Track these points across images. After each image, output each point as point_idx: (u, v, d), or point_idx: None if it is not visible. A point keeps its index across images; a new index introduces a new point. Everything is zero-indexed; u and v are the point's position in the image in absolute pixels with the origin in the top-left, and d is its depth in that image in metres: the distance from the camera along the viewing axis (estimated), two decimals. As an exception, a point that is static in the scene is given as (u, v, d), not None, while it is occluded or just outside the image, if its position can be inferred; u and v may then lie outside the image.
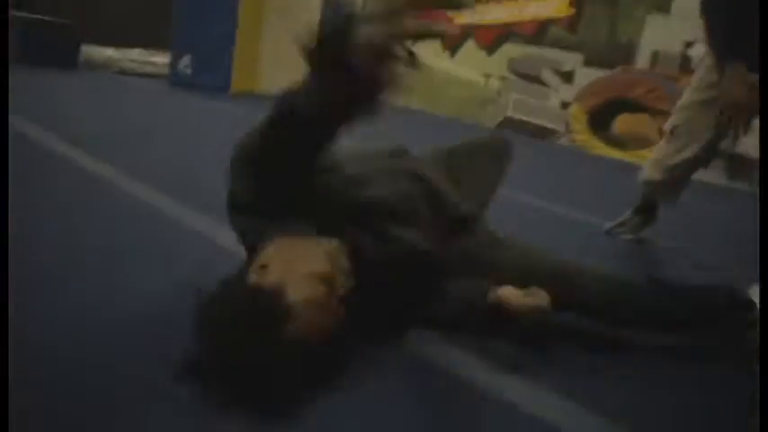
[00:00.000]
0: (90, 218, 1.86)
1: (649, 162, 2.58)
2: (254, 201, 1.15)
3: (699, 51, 5.38)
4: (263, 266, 1.08)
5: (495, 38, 6.86)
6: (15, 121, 2.94)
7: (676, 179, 2.49)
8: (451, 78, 7.21)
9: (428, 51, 7.36)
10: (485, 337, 1.36)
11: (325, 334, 1.07)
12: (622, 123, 5.99)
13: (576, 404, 1.21)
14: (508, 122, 6.70)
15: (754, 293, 1.49)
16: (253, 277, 1.08)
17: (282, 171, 1.09)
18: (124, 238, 1.75)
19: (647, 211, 2.70)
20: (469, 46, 7.07)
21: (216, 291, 1.07)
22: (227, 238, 1.68)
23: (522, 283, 1.32)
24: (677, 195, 2.59)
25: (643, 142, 5.78)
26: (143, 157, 2.80)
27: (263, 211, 1.17)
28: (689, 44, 5.50)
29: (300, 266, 1.07)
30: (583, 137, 6.21)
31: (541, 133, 6.46)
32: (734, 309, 1.47)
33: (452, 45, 7.19)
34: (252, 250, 1.19)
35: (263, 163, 1.08)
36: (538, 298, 1.28)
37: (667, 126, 2.48)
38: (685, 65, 5.51)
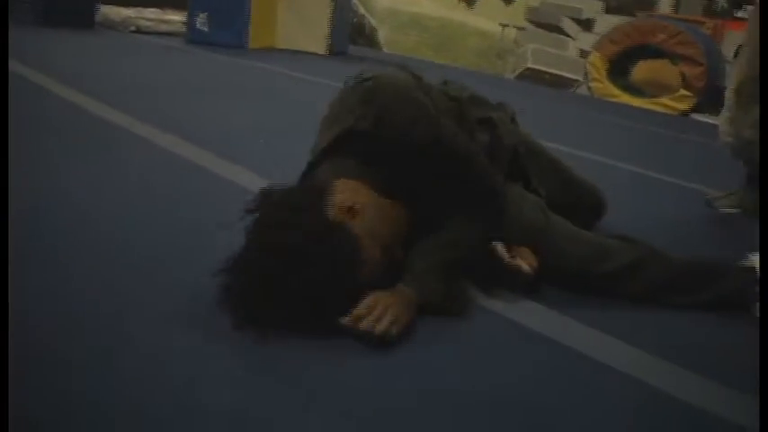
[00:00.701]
0: (123, 169, 1.89)
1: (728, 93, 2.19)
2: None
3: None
4: (352, 209, 1.13)
5: (512, -14, 6.79)
6: (38, 78, 2.99)
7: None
8: (469, 29, 7.15)
9: (444, 3, 7.28)
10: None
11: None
12: (641, 70, 5.95)
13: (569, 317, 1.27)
14: (528, 74, 6.66)
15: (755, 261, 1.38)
16: (338, 215, 1.12)
17: None
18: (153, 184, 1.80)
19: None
20: (487, -4, 7.00)
21: (285, 211, 1.09)
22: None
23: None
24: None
25: (662, 89, 5.75)
26: (178, 108, 2.85)
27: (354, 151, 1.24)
28: (714, -14, 5.44)
29: (383, 231, 1.17)
30: (601, 85, 6.18)
31: (560, 83, 6.44)
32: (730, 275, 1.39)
33: (469, -5, 7.12)
34: (311, 177, 1.25)
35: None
36: (522, 261, 1.30)
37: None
38: (710, 8, 5.45)
